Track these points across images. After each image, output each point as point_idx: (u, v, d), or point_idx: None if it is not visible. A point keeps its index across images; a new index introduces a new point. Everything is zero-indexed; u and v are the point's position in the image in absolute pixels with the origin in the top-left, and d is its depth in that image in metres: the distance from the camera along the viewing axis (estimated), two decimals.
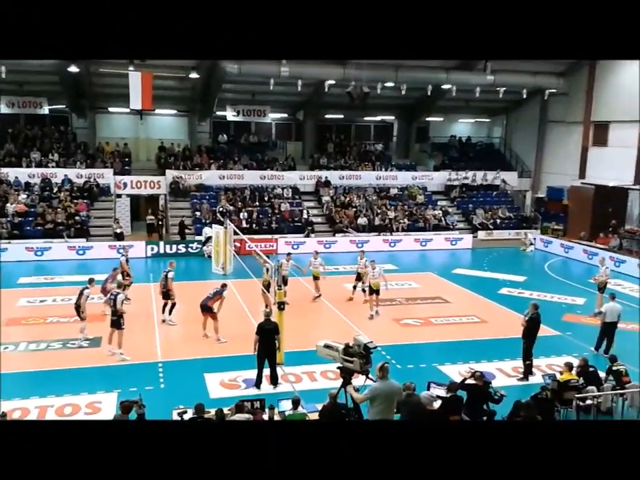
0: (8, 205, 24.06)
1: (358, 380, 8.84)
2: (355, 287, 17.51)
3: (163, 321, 14.90)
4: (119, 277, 15.57)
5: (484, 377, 9.65)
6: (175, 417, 8.37)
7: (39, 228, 23.65)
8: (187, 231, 25.06)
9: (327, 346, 9.18)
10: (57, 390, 10.95)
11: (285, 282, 14.59)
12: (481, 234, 28.19)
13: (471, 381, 9.55)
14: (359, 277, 17.39)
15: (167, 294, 14.76)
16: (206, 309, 13.63)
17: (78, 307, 13.46)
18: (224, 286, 14.02)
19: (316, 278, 17.57)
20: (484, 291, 18.82)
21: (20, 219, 23.75)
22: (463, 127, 35.71)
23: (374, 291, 16.03)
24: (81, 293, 13.40)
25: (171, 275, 14.77)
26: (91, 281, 14.26)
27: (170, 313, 14.82)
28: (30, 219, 23.97)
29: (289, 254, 17.25)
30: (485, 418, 9.22)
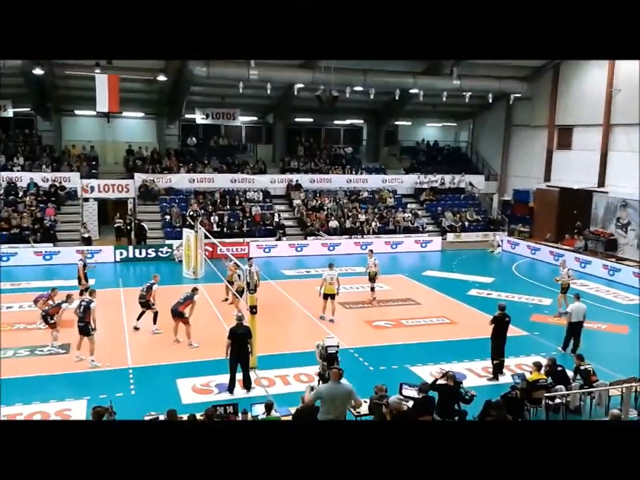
0: None
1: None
2: (372, 289, 17.70)
3: (136, 328, 14.68)
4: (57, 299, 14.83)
5: (455, 377, 9.79)
6: None
7: (4, 233, 23.11)
8: (147, 234, 24.73)
9: (318, 346, 9.53)
10: (24, 398, 10.72)
11: (254, 288, 14.47)
12: (450, 236, 28.59)
13: (442, 382, 9.69)
14: (372, 278, 17.64)
15: (146, 303, 14.59)
16: (177, 314, 13.52)
17: (46, 315, 13.23)
18: (194, 290, 13.92)
19: (371, 279, 17.70)
20: (453, 292, 19.08)
21: None
22: (430, 131, 36.21)
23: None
24: (58, 306, 13.18)
25: (155, 287, 14.64)
26: (53, 289, 14.57)
27: (154, 322, 14.60)
28: None
29: (250, 258, 17.06)
30: (456, 418, 9.37)
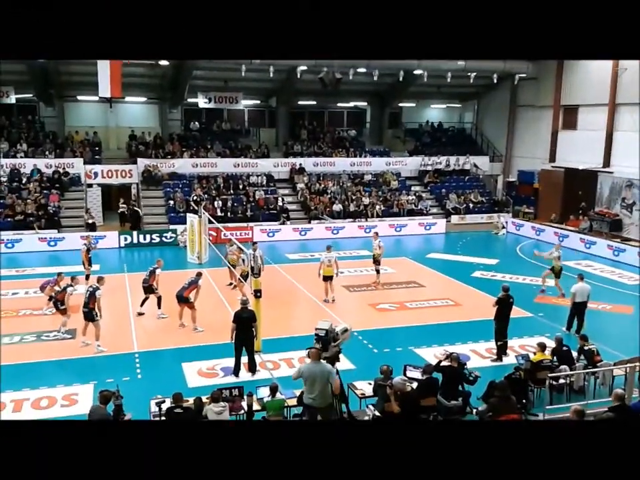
0: None
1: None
2: (378, 271, 17.65)
3: (140, 314, 14.74)
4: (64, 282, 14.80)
5: (459, 359, 9.83)
6: (153, 407, 8.39)
7: (8, 219, 23.18)
8: (144, 220, 24.77)
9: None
10: (32, 383, 10.83)
11: (258, 272, 14.50)
12: (454, 218, 28.49)
13: (446, 363, 9.73)
14: (376, 260, 17.59)
15: (149, 288, 14.64)
16: (182, 299, 13.56)
17: (56, 301, 13.30)
18: (199, 275, 13.96)
19: (376, 261, 17.65)
20: (458, 274, 19.07)
21: None
22: (435, 113, 35.91)
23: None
24: (64, 290, 13.22)
25: (158, 271, 14.67)
26: (59, 274, 14.73)
27: (159, 307, 14.64)
28: None
29: (254, 243, 16.76)
30: (460, 399, 9.42)
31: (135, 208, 24.95)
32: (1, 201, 23.84)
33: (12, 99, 26.57)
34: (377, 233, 18.91)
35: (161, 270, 14.90)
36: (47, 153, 26.52)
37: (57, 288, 14.27)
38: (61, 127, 28.68)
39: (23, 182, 25.04)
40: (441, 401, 9.27)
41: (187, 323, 13.77)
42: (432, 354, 12.22)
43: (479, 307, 15.36)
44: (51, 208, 24.02)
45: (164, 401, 8.30)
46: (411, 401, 8.64)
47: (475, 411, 9.29)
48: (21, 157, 26.08)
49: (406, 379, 9.17)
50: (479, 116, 34.68)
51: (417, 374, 9.53)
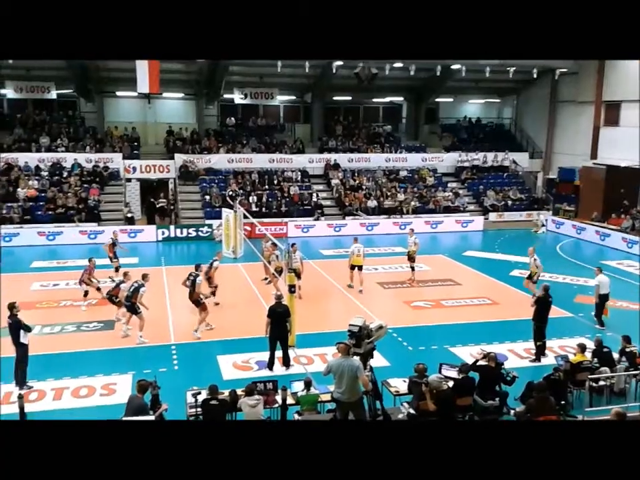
0: (19, 189, 24.20)
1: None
2: (412, 268, 17.58)
3: (216, 303, 14.89)
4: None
5: (496, 359, 9.66)
6: (190, 398, 8.48)
7: (49, 213, 23.77)
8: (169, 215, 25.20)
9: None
10: (72, 372, 11.08)
11: (298, 275, 14.47)
12: (492, 216, 28.02)
13: (483, 363, 9.57)
14: (411, 257, 17.53)
15: (209, 280, 14.83)
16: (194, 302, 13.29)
17: (111, 297, 13.50)
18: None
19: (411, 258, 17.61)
20: (495, 272, 18.77)
21: (31, 203, 23.88)
22: (472, 108, 35.37)
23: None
24: (117, 286, 13.41)
25: (216, 264, 14.87)
26: (90, 259, 15.33)
27: (214, 295, 14.92)
28: (41, 203, 24.10)
29: (293, 244, 15.95)
30: (497, 399, 9.26)
31: (156, 203, 25.51)
32: (43, 195, 24.44)
33: (53, 94, 27.20)
34: (412, 230, 18.73)
35: (219, 262, 15.05)
36: (87, 147, 27.08)
37: (92, 279, 14.73)
38: (100, 122, 29.24)
39: (64, 176, 25.63)
40: (478, 401, 9.12)
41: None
42: (468, 353, 12.05)
43: (517, 306, 15.09)
44: (90, 202, 24.53)
45: (200, 393, 8.38)
46: (447, 400, 8.52)
47: (512, 411, 9.12)
48: (62, 152, 26.68)
49: (442, 377, 9.04)
50: (518, 111, 34.05)
51: (452, 373, 9.38)
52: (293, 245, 15.44)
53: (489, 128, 34.47)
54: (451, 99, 33.99)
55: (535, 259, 15.54)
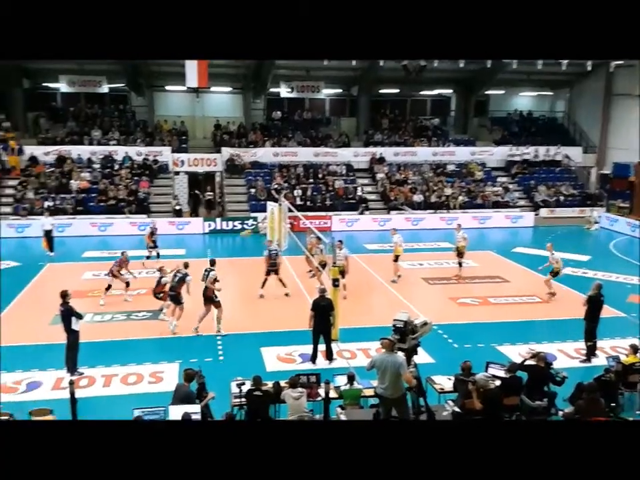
0: (72, 181, 24.96)
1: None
2: (460, 264, 17.33)
3: (261, 296, 15.11)
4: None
5: (546, 358, 9.40)
6: (234, 388, 8.56)
7: (101, 204, 24.44)
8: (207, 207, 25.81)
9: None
10: (121, 359, 11.37)
11: (343, 274, 14.35)
12: (543, 211, 27.27)
13: (531, 362, 9.33)
14: (460, 252, 17.28)
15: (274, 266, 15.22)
16: (207, 299, 12.97)
17: (156, 293, 13.67)
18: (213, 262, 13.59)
19: (459, 254, 17.51)
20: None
21: (83, 195, 24.61)
22: (524, 101, 34.44)
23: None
24: (159, 283, 13.54)
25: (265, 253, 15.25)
26: (122, 252, 15.92)
27: (284, 285, 15.30)
28: (93, 195, 24.79)
29: (340, 241, 15.41)
30: (545, 399, 9.01)
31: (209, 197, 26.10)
32: (95, 187, 25.12)
33: (104, 88, 27.93)
34: (459, 225, 18.38)
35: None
36: (137, 141, 27.68)
37: (122, 271, 15.17)
38: (150, 116, 29.82)
39: (115, 168, 26.28)
40: (525, 401, 8.89)
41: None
42: (516, 352, 11.77)
43: (568, 304, 14.63)
44: (140, 194, 25.10)
45: (244, 383, 8.45)
46: (494, 399, 8.32)
47: (560, 412, 8.86)
48: (113, 145, 27.35)
49: (489, 375, 8.85)
50: (571, 105, 32.96)
51: (500, 372, 9.17)
52: (339, 242, 15.05)
53: (540, 121, 33.50)
54: (501, 92, 33.18)
55: (552, 254, 15.29)
